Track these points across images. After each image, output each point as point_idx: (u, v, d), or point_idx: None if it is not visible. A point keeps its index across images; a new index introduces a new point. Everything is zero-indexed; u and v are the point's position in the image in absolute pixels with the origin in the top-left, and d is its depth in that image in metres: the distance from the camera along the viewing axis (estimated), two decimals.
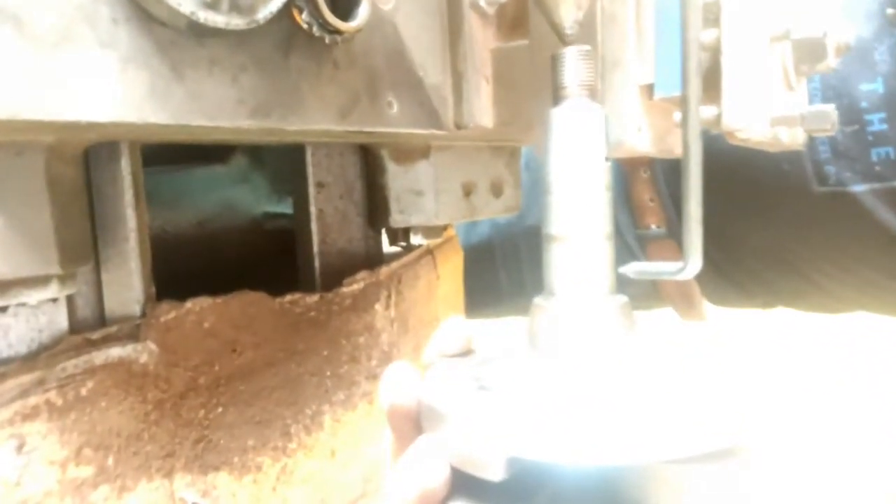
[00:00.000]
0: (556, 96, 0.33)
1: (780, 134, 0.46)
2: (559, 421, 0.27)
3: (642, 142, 0.47)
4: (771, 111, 0.44)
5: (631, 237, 0.96)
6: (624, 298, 0.33)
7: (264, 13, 0.34)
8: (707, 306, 1.03)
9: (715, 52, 0.43)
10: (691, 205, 0.30)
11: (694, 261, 0.31)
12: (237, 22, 0.33)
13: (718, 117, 0.42)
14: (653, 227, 0.95)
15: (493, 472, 0.27)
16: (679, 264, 0.32)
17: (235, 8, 0.33)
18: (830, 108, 0.45)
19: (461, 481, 0.31)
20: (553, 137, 0.32)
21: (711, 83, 0.42)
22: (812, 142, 0.77)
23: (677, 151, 0.55)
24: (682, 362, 0.34)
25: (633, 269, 0.34)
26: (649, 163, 0.92)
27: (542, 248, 0.32)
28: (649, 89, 0.47)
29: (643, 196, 0.93)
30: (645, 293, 1.02)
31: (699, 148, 0.30)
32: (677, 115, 0.45)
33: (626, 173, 0.95)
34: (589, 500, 0.29)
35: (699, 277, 0.98)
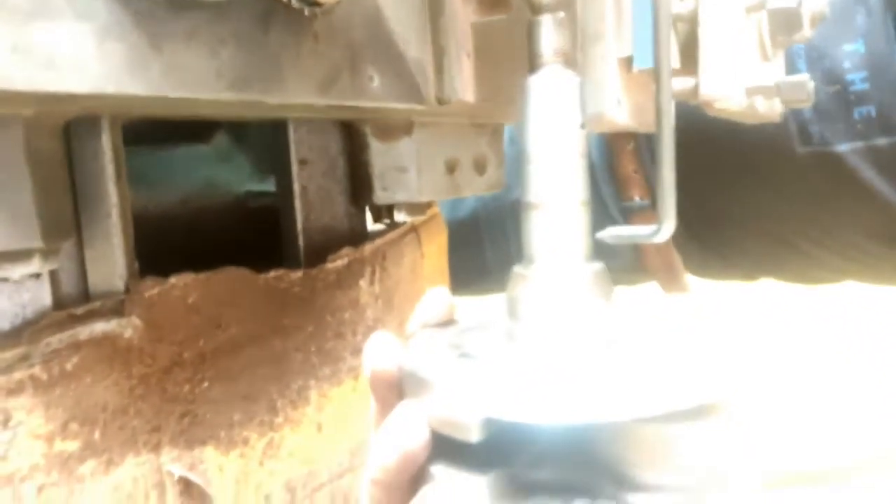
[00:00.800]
0: (532, 65, 0.33)
1: (758, 104, 0.47)
2: (534, 382, 0.28)
3: (622, 115, 0.47)
4: (747, 82, 0.44)
5: (615, 209, 0.97)
6: (600, 265, 0.33)
7: None
8: (690, 279, 1.03)
9: (692, 23, 0.44)
10: (664, 166, 0.30)
11: (668, 223, 0.31)
12: None
13: (695, 88, 0.42)
14: (637, 199, 0.95)
15: (471, 434, 0.28)
16: (653, 227, 0.32)
17: None
18: (806, 79, 0.46)
19: (441, 445, 0.31)
20: (529, 106, 0.32)
21: (688, 54, 0.43)
22: None
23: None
24: (660, 328, 0.35)
25: (609, 233, 0.34)
26: (634, 135, 0.93)
27: (521, 216, 0.33)
28: (628, 62, 0.47)
29: (627, 168, 0.94)
30: (628, 267, 1.03)
31: (671, 110, 0.30)
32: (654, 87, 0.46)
33: (611, 145, 0.95)
34: (567, 460, 0.30)
35: (682, 248, 0.99)
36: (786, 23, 0.46)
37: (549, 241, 0.32)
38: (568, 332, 0.32)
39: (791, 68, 0.60)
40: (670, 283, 1.02)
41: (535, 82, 0.32)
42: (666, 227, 0.32)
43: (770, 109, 0.49)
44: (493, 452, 0.30)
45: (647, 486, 0.28)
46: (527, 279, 0.32)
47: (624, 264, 1.02)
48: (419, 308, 0.40)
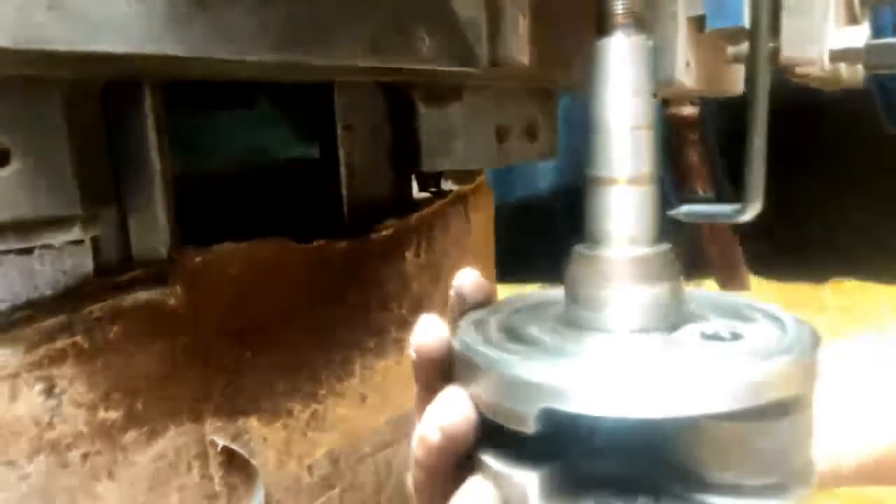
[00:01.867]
0: (602, 26, 0.30)
1: (841, 70, 0.43)
2: (597, 372, 0.26)
3: (690, 79, 0.44)
4: (833, 44, 0.40)
5: (675, 201, 0.90)
6: (667, 246, 0.31)
7: None
8: (752, 279, 0.97)
9: None
10: (756, 139, 0.27)
11: (754, 202, 0.28)
12: None
13: (777, 51, 0.39)
14: (700, 191, 0.90)
15: (527, 424, 0.26)
16: (736, 206, 0.29)
17: None
18: None
19: (493, 433, 0.29)
20: (598, 71, 0.29)
21: (771, 13, 0.39)
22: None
23: (729, 89, 0.52)
24: (727, 317, 0.33)
25: (683, 211, 0.31)
26: (699, 125, 0.87)
27: (585, 190, 0.30)
28: (699, 21, 0.44)
29: (692, 158, 0.88)
30: (684, 261, 0.96)
31: (766, 79, 0.27)
32: (731, 50, 0.42)
33: (675, 132, 0.89)
34: (629, 455, 0.28)
35: (746, 243, 0.93)
36: None
37: (615, 220, 0.29)
38: (633, 318, 0.29)
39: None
40: (730, 281, 0.96)
41: (604, 46, 0.29)
42: (751, 207, 0.29)
43: (853, 75, 0.45)
44: (548, 443, 0.28)
45: (722, 485, 0.26)
46: (589, 259, 0.30)
47: (679, 259, 0.94)
48: (455, 289, 0.38)
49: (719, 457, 0.26)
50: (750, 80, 0.27)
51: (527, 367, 0.27)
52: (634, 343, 0.29)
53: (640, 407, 0.24)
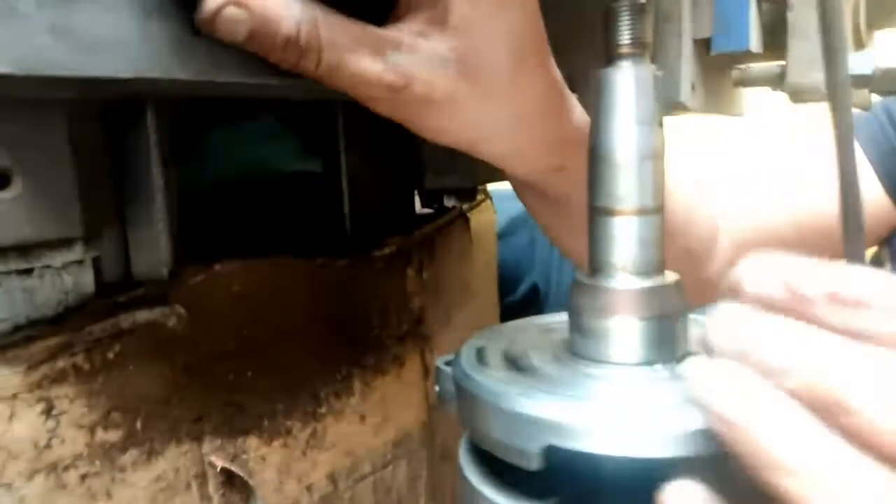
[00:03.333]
0: (609, 56, 0.30)
1: None
2: (600, 410, 0.26)
3: (695, 102, 0.44)
4: None
5: None
6: (675, 276, 0.30)
7: None
8: None
9: (780, 4, 0.40)
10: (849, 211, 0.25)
11: None
12: None
13: (782, 75, 0.38)
14: None
15: (530, 461, 0.26)
16: None
17: None
18: None
19: (491, 465, 0.29)
20: (604, 100, 0.29)
21: (775, 38, 0.39)
22: None
23: (734, 112, 0.52)
24: None
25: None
26: None
27: (589, 220, 0.30)
28: (705, 44, 0.44)
29: None
30: None
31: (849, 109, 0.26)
32: (736, 73, 0.42)
33: None
34: (627, 493, 0.28)
35: None
36: (884, 5, 0.41)
37: (620, 250, 0.29)
38: (637, 351, 0.29)
39: None
40: None
41: (610, 76, 0.29)
42: None
43: (861, 98, 0.45)
44: (548, 478, 0.27)
45: None
46: (593, 290, 0.30)
47: None
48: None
49: (724, 493, 0.26)
50: (833, 121, 0.26)
51: (530, 403, 0.26)
52: (638, 377, 0.28)
53: (642, 447, 0.24)
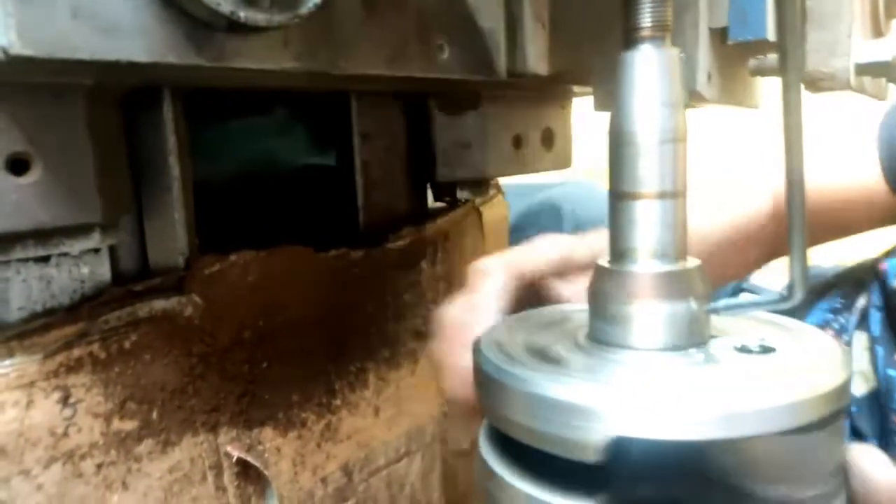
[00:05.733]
0: (629, 39, 0.30)
1: (865, 84, 0.43)
2: (652, 396, 0.25)
3: (712, 91, 0.43)
4: (858, 58, 0.40)
5: None
6: (697, 262, 0.30)
7: (308, 6, 0.31)
8: None
9: None
10: (794, 194, 0.25)
11: (799, 286, 0.27)
12: (279, 19, 0.30)
13: (801, 65, 0.38)
14: None
15: (593, 454, 0.25)
16: (777, 293, 0.28)
17: (277, 4, 0.30)
18: None
19: (517, 459, 0.29)
20: (626, 84, 0.29)
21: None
22: None
23: (750, 103, 0.51)
24: (756, 328, 0.32)
25: (721, 305, 0.30)
26: None
27: (610, 206, 0.30)
28: (721, 33, 0.43)
29: None
30: None
31: (799, 103, 0.26)
32: (753, 62, 0.42)
33: None
34: (674, 478, 0.27)
35: None
36: None
37: (643, 235, 0.29)
38: (665, 335, 0.29)
39: None
40: None
41: (633, 58, 0.29)
42: (797, 293, 0.27)
43: (878, 88, 0.44)
44: (587, 469, 0.27)
45: (772, 499, 0.25)
46: (618, 276, 0.29)
47: None
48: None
49: (770, 472, 0.25)
50: (784, 116, 0.26)
51: (581, 393, 0.25)
52: (673, 362, 0.28)
53: (693, 430, 0.24)
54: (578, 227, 1.01)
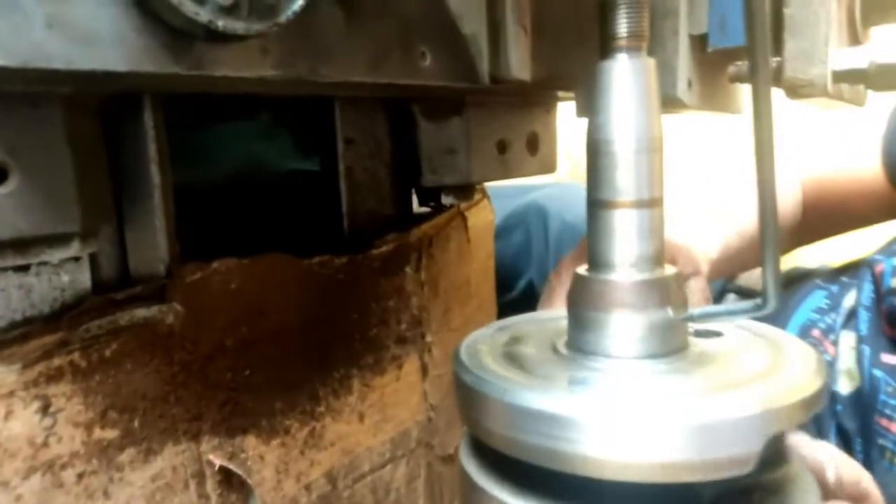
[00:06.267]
0: (606, 48, 0.30)
1: (843, 90, 0.43)
2: (632, 406, 0.25)
3: (692, 98, 0.44)
4: (836, 65, 0.40)
5: None
6: (674, 270, 0.30)
7: (287, 14, 0.31)
8: None
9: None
10: (766, 199, 0.26)
11: (773, 294, 0.27)
12: (258, 27, 0.30)
13: (779, 71, 0.38)
14: None
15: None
16: (752, 303, 0.28)
17: (255, 12, 0.30)
18: None
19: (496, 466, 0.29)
20: (602, 93, 0.29)
21: (773, 33, 0.39)
22: None
23: (732, 110, 0.52)
24: (735, 337, 0.32)
25: (697, 313, 0.30)
26: None
27: (588, 214, 0.30)
28: (701, 40, 0.44)
29: None
30: None
31: (770, 111, 0.26)
32: (732, 69, 0.42)
33: None
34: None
35: None
36: (881, 4, 0.41)
37: (621, 244, 0.29)
38: (636, 345, 0.29)
39: None
40: None
41: (608, 68, 0.29)
42: (770, 301, 0.27)
43: (855, 95, 0.45)
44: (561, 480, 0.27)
45: None
46: (595, 284, 0.30)
47: None
48: None
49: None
50: (754, 124, 0.26)
51: (558, 402, 0.25)
52: (650, 371, 0.28)
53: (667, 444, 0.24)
54: (565, 228, 1.02)
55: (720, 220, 0.73)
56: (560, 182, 1.20)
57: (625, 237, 0.29)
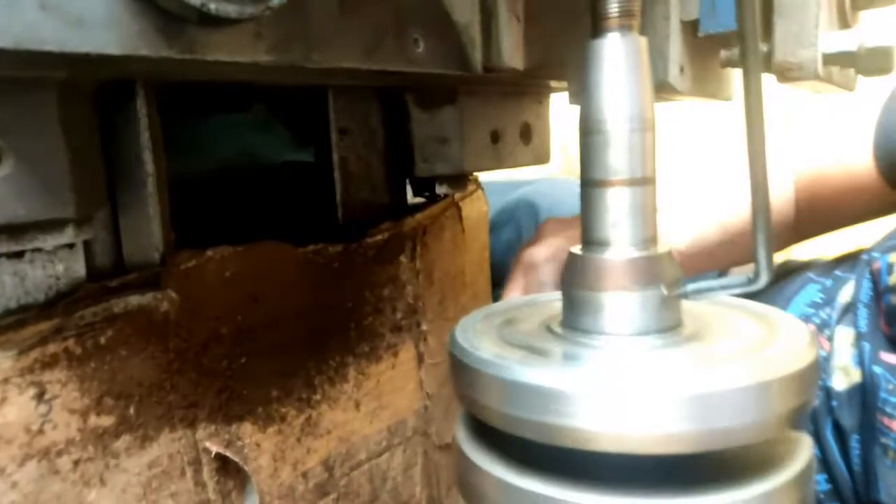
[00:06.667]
0: (597, 27, 0.30)
1: (834, 73, 0.43)
2: (627, 379, 0.25)
3: (684, 84, 0.44)
4: (826, 48, 0.41)
5: None
6: (667, 248, 0.30)
7: None
8: None
9: None
10: (757, 174, 0.26)
11: (766, 270, 0.27)
12: (250, 11, 0.30)
13: (769, 55, 0.39)
14: None
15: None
16: (744, 277, 0.28)
17: None
18: (890, 47, 0.42)
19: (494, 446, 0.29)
20: (594, 72, 0.29)
21: (763, 17, 0.39)
22: None
23: (723, 95, 0.52)
24: (730, 316, 0.32)
25: (690, 289, 0.30)
26: None
27: (582, 194, 0.30)
28: (693, 26, 0.44)
29: None
30: None
31: (760, 90, 0.26)
32: (724, 54, 0.42)
33: None
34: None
35: None
36: None
37: (614, 222, 0.29)
38: (630, 323, 0.29)
39: None
40: None
41: (598, 47, 0.29)
42: (763, 276, 0.27)
43: (846, 79, 0.45)
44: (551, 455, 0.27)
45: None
46: (589, 263, 0.30)
47: None
48: None
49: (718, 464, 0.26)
50: (745, 104, 0.26)
51: (553, 377, 0.26)
52: (644, 346, 0.28)
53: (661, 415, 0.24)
54: None
55: (700, 212, 0.72)
56: (550, 177, 1.20)
57: (618, 215, 0.29)
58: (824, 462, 0.74)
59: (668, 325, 0.30)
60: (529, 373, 0.26)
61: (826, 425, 0.73)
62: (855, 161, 0.77)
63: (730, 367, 0.26)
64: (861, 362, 0.72)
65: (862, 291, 0.75)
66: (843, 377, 0.73)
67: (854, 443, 0.71)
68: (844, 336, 0.75)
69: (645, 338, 0.29)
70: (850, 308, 0.76)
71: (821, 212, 0.82)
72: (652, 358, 0.28)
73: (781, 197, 0.80)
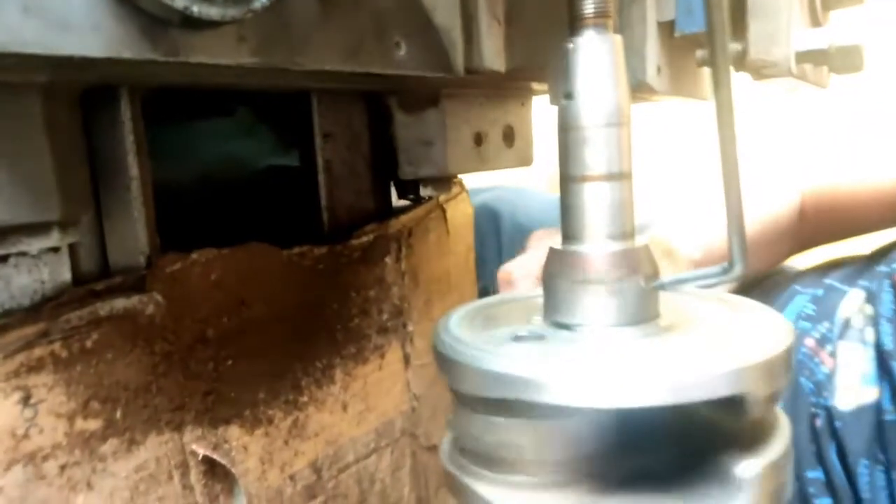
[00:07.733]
0: (573, 27, 0.31)
1: (807, 71, 0.44)
2: (604, 366, 0.26)
3: (662, 83, 0.45)
4: (798, 46, 0.42)
5: None
6: (645, 242, 0.31)
7: (261, 0, 0.32)
8: None
9: None
10: (728, 170, 0.26)
11: (739, 259, 0.28)
12: (233, 13, 0.31)
13: (744, 53, 0.40)
14: None
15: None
16: (719, 267, 0.29)
17: None
18: (860, 45, 0.43)
19: None
20: (570, 69, 0.30)
21: (736, 17, 0.40)
22: None
23: (701, 95, 0.53)
24: (705, 308, 0.33)
25: (666, 281, 0.30)
26: None
27: (561, 189, 0.31)
28: (669, 26, 0.45)
29: None
30: None
31: (729, 87, 0.27)
32: (699, 53, 0.43)
33: None
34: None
35: None
36: None
37: (592, 217, 0.30)
38: (609, 314, 0.30)
39: None
40: None
41: (575, 45, 0.30)
42: (737, 266, 0.28)
43: (819, 76, 0.46)
44: None
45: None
46: (568, 257, 0.30)
47: None
48: None
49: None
50: (716, 106, 0.27)
51: (532, 366, 0.26)
52: (623, 337, 0.29)
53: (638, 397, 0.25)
54: (518, 230, 1.01)
55: (710, 221, 0.72)
56: (505, 185, 1.17)
57: (595, 210, 0.29)
58: (829, 486, 0.70)
59: (646, 316, 0.30)
60: (504, 362, 0.27)
61: (830, 448, 0.70)
62: (878, 171, 0.77)
63: (705, 354, 0.27)
64: (881, 380, 0.68)
65: (883, 306, 0.71)
66: (851, 396, 0.69)
67: (862, 468, 0.68)
68: (851, 352, 0.71)
69: (623, 328, 0.30)
70: (851, 323, 0.74)
71: (836, 221, 0.81)
72: (629, 347, 0.28)
73: (785, 206, 0.79)
